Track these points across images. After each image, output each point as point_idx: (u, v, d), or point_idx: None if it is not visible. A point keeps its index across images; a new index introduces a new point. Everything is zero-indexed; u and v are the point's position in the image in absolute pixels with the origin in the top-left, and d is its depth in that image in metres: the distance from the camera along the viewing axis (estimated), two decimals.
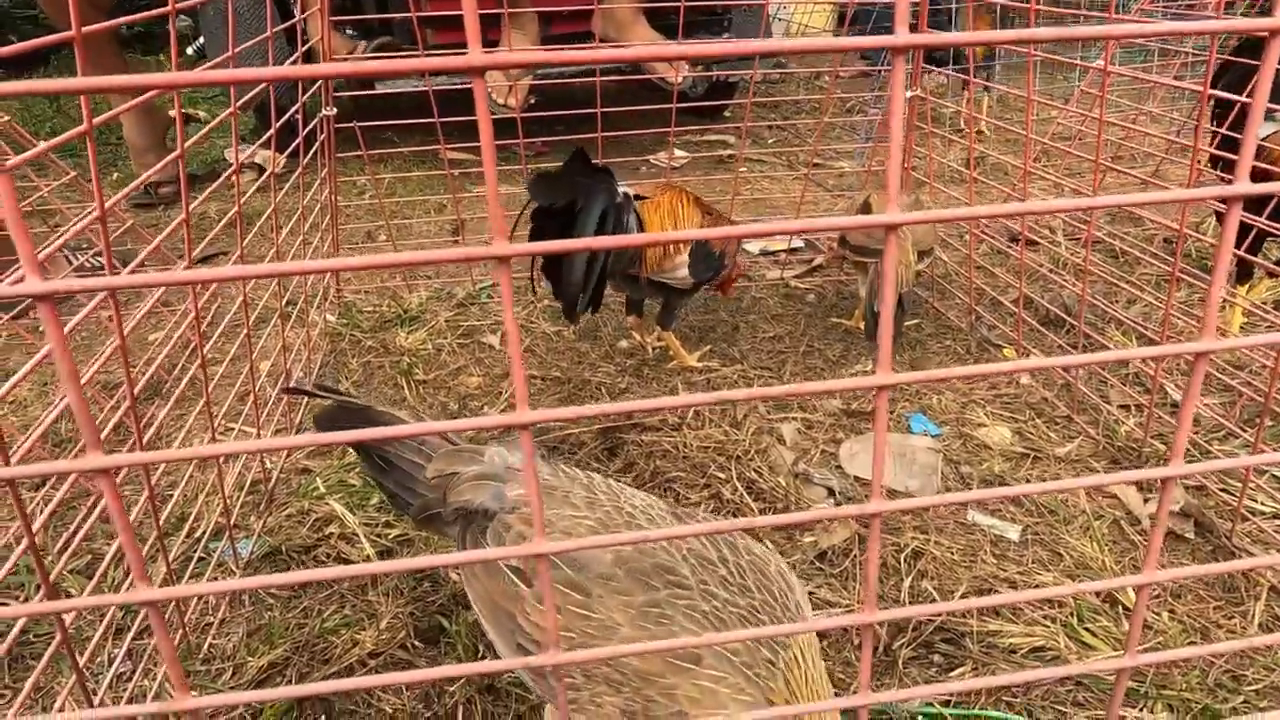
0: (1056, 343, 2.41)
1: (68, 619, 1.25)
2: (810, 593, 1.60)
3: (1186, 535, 1.73)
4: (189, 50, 6.10)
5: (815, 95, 5.51)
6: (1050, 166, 3.66)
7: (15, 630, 1.12)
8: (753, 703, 1.01)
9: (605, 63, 0.43)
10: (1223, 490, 1.81)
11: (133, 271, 1.43)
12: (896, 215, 0.45)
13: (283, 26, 2.31)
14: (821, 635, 1.48)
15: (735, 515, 1.80)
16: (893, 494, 1.89)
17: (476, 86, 0.41)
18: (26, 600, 1.60)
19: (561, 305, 2.13)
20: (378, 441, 1.29)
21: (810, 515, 0.51)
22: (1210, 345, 0.50)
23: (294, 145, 2.16)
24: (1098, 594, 1.58)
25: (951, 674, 1.45)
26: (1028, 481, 1.91)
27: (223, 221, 1.74)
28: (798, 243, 3.21)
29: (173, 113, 1.68)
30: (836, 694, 1.25)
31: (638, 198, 2.21)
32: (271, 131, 1.91)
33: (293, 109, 2.17)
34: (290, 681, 1.43)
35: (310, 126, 2.28)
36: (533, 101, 3.97)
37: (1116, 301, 2.59)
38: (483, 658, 1.46)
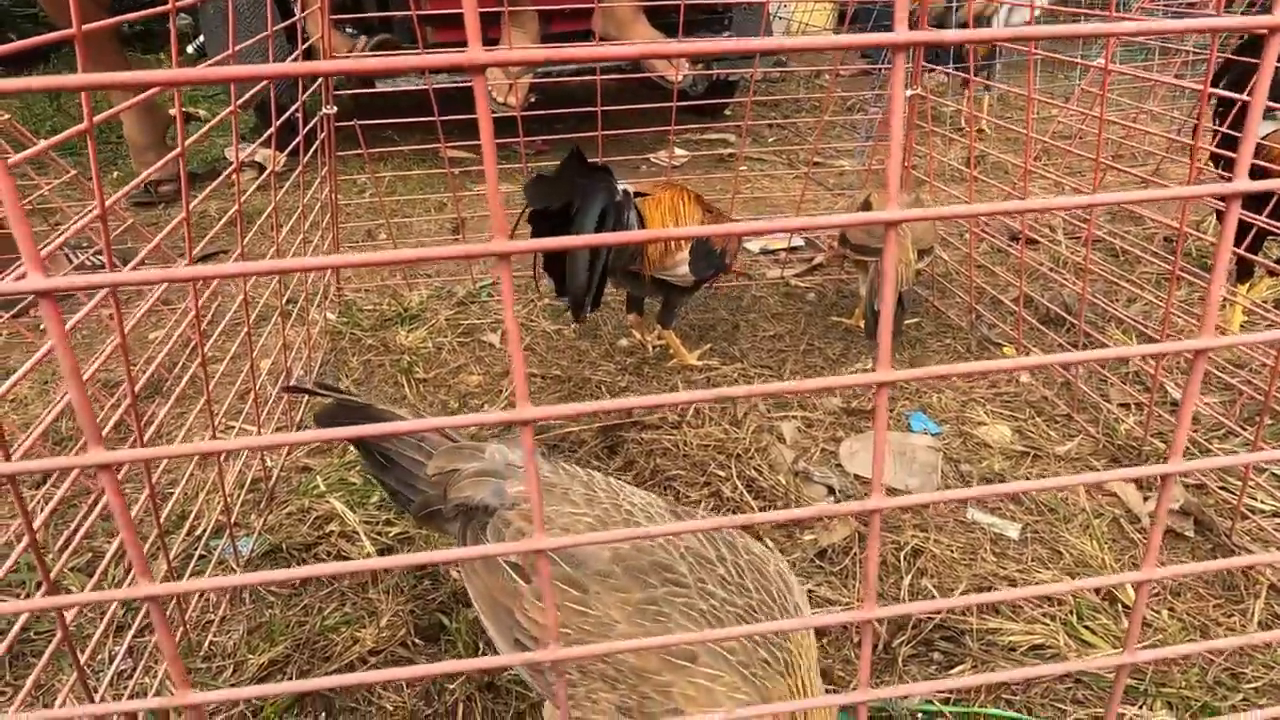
0: (1057, 341, 2.41)
1: (69, 616, 1.25)
2: (810, 591, 1.61)
3: (1186, 533, 1.73)
4: (189, 48, 6.10)
5: (815, 94, 5.51)
6: (1051, 165, 3.65)
7: (16, 627, 1.13)
8: (748, 701, 1.01)
9: (606, 61, 0.43)
10: (1222, 488, 1.81)
11: (133, 270, 1.43)
12: (896, 212, 0.45)
13: (283, 25, 2.31)
14: (821, 633, 1.48)
15: (735, 513, 1.80)
16: (893, 492, 1.89)
17: (477, 84, 0.41)
18: (28, 598, 1.60)
19: (569, 305, 2.13)
20: (378, 438, 1.30)
21: (810, 512, 0.51)
22: (1209, 343, 0.50)
23: (294, 143, 2.16)
24: (1097, 591, 1.58)
25: (951, 671, 1.45)
26: (1028, 480, 1.91)
27: (223, 220, 1.74)
28: (798, 241, 3.21)
29: (173, 111, 1.68)
30: (836, 691, 1.25)
31: (638, 195, 2.21)
32: (272, 130, 1.91)
33: (293, 107, 2.17)
34: (291, 679, 1.43)
35: (310, 125, 2.28)
36: (533, 100, 3.97)
37: (1117, 300, 2.59)
38: (483, 655, 1.46)
